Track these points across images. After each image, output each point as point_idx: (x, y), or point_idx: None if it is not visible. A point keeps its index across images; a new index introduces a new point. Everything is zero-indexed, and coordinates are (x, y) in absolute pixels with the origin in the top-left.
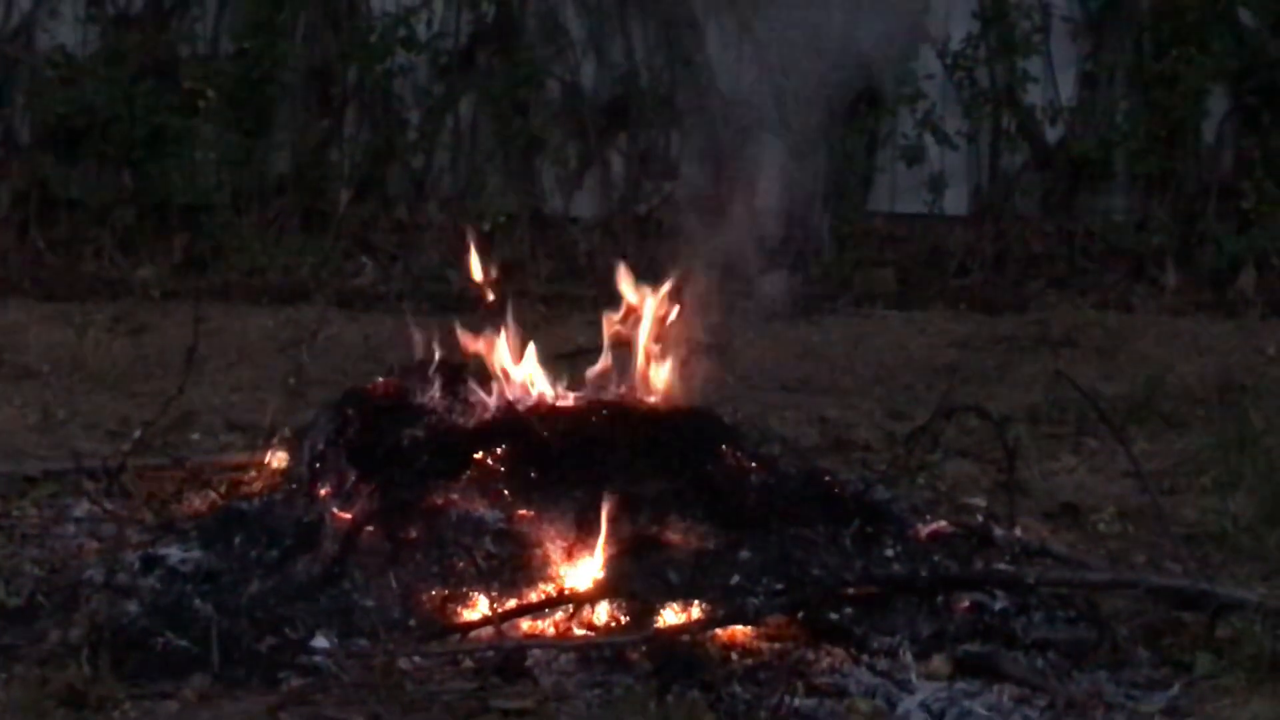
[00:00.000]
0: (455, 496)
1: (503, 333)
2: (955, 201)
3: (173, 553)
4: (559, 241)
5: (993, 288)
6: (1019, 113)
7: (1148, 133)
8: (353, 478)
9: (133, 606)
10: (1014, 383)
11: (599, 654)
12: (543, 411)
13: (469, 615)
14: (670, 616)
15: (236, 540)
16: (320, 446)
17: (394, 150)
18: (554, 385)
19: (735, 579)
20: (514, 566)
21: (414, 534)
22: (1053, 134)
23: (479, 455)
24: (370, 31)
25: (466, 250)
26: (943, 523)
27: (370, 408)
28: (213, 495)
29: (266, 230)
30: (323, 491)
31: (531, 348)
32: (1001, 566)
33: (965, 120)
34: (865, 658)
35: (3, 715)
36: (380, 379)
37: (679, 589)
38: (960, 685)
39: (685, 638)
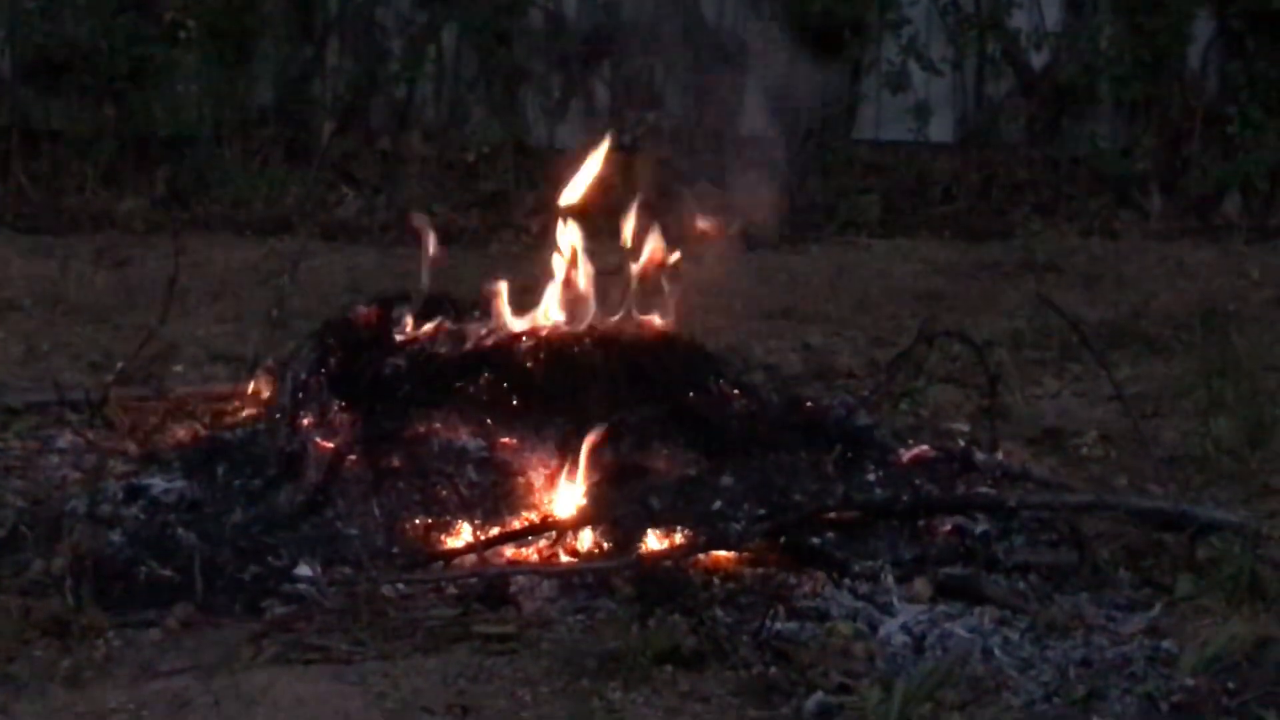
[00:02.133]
0: (437, 425)
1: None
2: (940, 129)
3: (156, 483)
4: (543, 172)
5: (977, 215)
6: (1004, 39)
7: (1133, 58)
8: (335, 407)
9: (116, 536)
10: (998, 309)
11: (582, 580)
12: (525, 340)
13: (452, 543)
14: (653, 543)
15: (219, 470)
16: (303, 377)
17: (376, 81)
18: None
19: (717, 505)
20: (497, 494)
21: (396, 463)
22: (1038, 60)
23: (461, 384)
24: None
25: None
26: (925, 447)
27: (352, 338)
28: (196, 426)
29: (249, 162)
30: (305, 421)
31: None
32: (983, 490)
33: (950, 47)
34: (847, 582)
35: None
36: (362, 308)
37: (661, 515)
38: (941, 608)
39: (668, 563)
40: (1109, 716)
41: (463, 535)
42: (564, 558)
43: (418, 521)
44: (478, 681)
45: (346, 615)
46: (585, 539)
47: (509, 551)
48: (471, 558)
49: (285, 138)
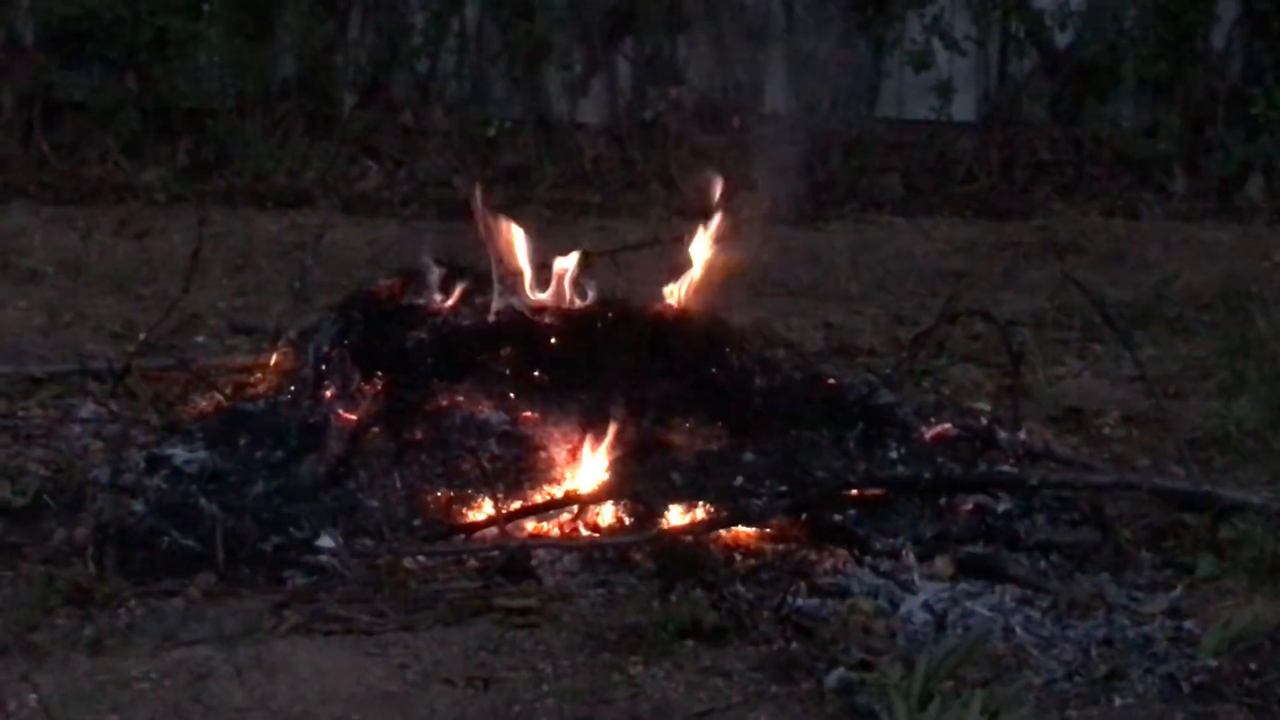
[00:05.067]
0: (460, 398)
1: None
2: (963, 108)
3: (178, 453)
4: (564, 147)
5: (999, 194)
6: (1028, 18)
7: (1157, 39)
8: (357, 379)
9: (138, 506)
10: (1020, 289)
11: (603, 554)
12: (548, 314)
13: (474, 516)
14: (674, 518)
15: (241, 441)
16: (325, 349)
17: (399, 54)
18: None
19: (739, 481)
20: (519, 468)
21: (419, 435)
22: (1062, 40)
23: (484, 357)
24: None
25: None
26: (947, 426)
27: (375, 310)
28: (218, 397)
29: (271, 134)
30: (328, 393)
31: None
32: (1005, 469)
33: (974, 26)
34: (868, 559)
35: (10, 613)
36: (384, 281)
37: (683, 490)
38: (963, 586)
39: (689, 539)
40: (1130, 696)
41: (484, 508)
42: (585, 532)
43: (439, 494)
44: (499, 654)
45: (368, 587)
46: (607, 513)
47: (530, 525)
48: (493, 531)
49: (307, 110)
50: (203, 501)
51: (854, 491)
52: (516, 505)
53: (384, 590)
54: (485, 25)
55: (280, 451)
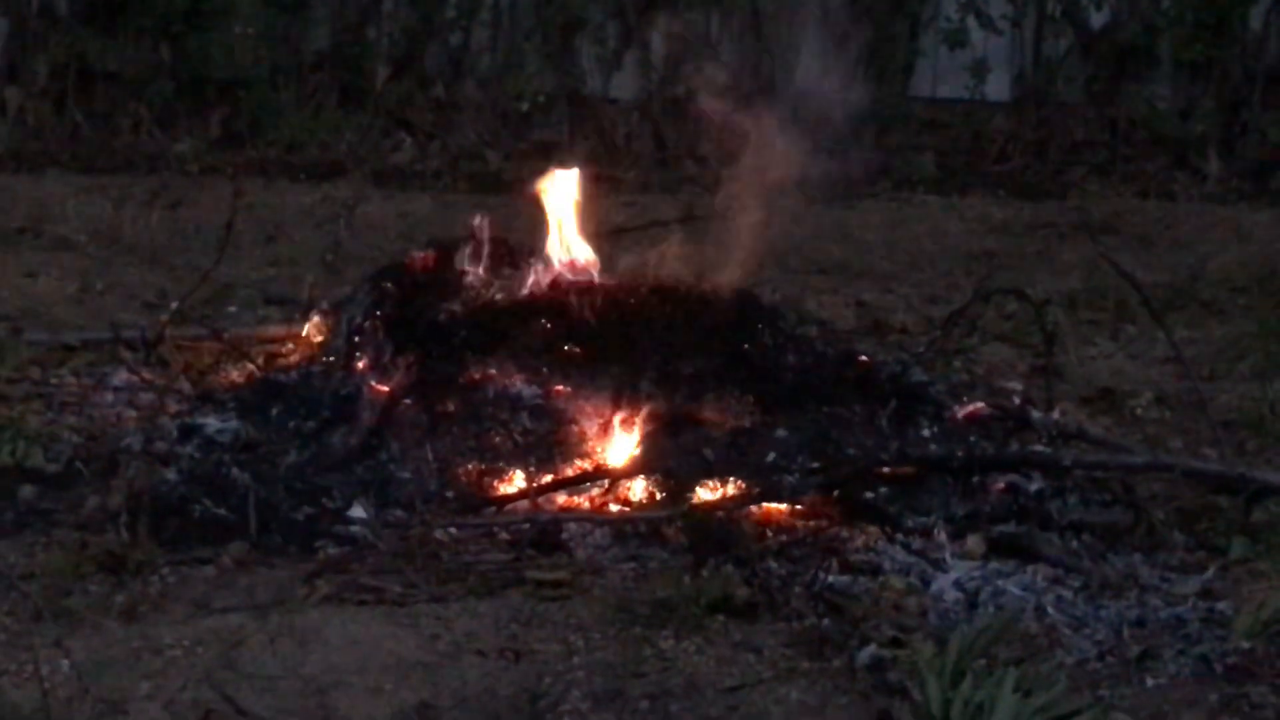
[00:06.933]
0: (493, 371)
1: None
2: (997, 87)
3: (210, 422)
4: (597, 122)
5: (1033, 174)
6: None
7: (1194, 19)
8: (390, 351)
9: (171, 474)
10: (1053, 269)
11: (634, 529)
12: (581, 288)
13: (505, 489)
14: (706, 493)
15: (274, 411)
16: (358, 320)
17: (432, 28)
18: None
19: (771, 457)
20: (550, 442)
21: (451, 408)
22: (1098, 19)
23: (517, 331)
24: None
25: None
26: (979, 405)
27: (409, 282)
28: (250, 367)
29: (304, 106)
30: (360, 364)
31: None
32: (1038, 449)
33: (1009, 4)
34: (900, 537)
35: (43, 579)
36: (418, 253)
37: (715, 466)
38: (994, 565)
39: (721, 514)
40: (1163, 676)
41: (516, 481)
42: (616, 506)
43: (471, 466)
44: (530, 626)
45: (399, 557)
46: (638, 488)
47: (561, 498)
48: (524, 504)
49: (340, 83)
50: (235, 471)
51: (886, 469)
52: (548, 478)
53: (415, 561)
54: None
55: (312, 422)
